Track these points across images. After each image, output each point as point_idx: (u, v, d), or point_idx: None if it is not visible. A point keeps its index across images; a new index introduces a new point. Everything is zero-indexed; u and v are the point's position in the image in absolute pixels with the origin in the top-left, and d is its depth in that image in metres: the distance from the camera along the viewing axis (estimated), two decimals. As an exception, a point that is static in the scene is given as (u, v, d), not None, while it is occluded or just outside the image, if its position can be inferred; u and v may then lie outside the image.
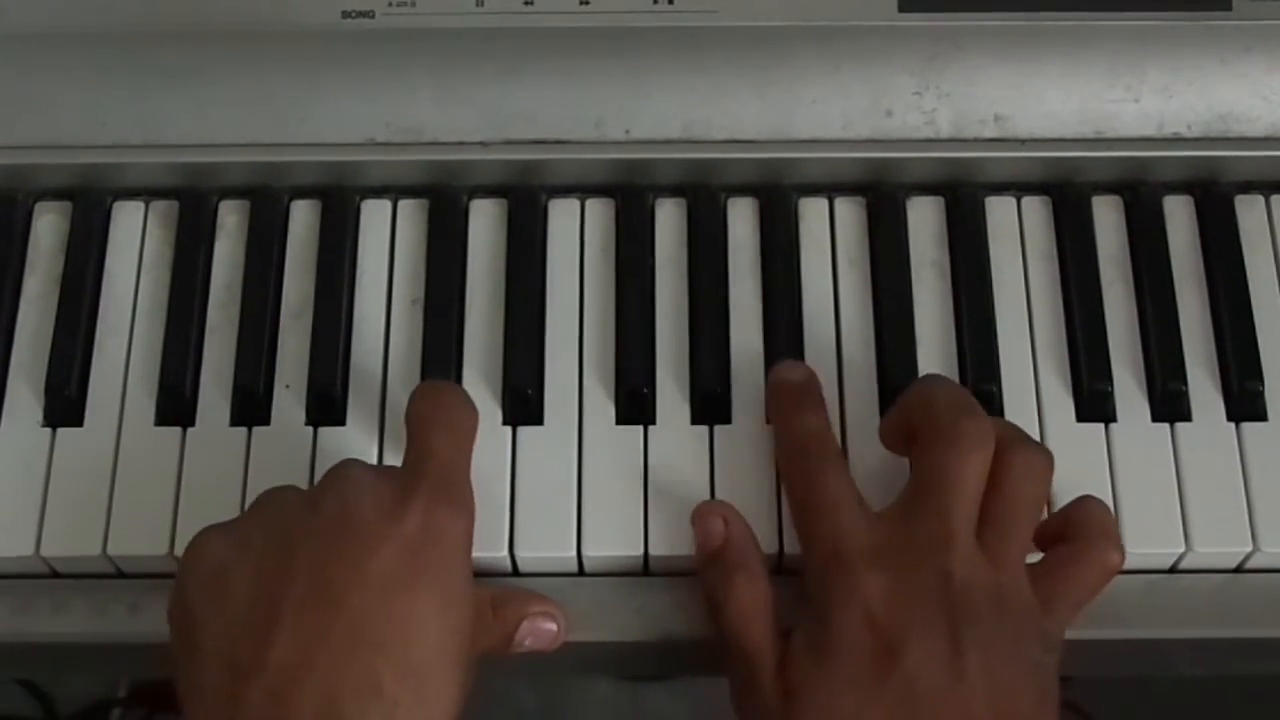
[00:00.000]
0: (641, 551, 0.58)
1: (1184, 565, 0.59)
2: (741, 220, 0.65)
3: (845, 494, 0.55)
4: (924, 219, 0.65)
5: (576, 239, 0.64)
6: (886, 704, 0.50)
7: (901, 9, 0.63)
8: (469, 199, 0.65)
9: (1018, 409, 0.61)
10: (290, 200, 0.65)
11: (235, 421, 0.61)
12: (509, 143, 0.64)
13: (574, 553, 0.58)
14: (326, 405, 0.61)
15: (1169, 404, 0.61)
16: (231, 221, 0.65)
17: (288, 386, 0.62)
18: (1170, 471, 0.60)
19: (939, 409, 0.55)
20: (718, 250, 0.64)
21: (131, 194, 0.65)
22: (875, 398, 0.61)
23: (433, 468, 0.54)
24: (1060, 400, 0.61)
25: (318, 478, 0.56)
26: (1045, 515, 0.57)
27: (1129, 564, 0.58)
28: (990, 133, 0.64)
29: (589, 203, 0.65)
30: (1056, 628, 0.54)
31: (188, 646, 0.51)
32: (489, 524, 0.57)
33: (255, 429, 0.61)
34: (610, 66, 0.64)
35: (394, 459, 0.59)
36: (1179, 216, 0.65)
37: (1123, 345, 0.62)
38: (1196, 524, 0.59)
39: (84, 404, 0.61)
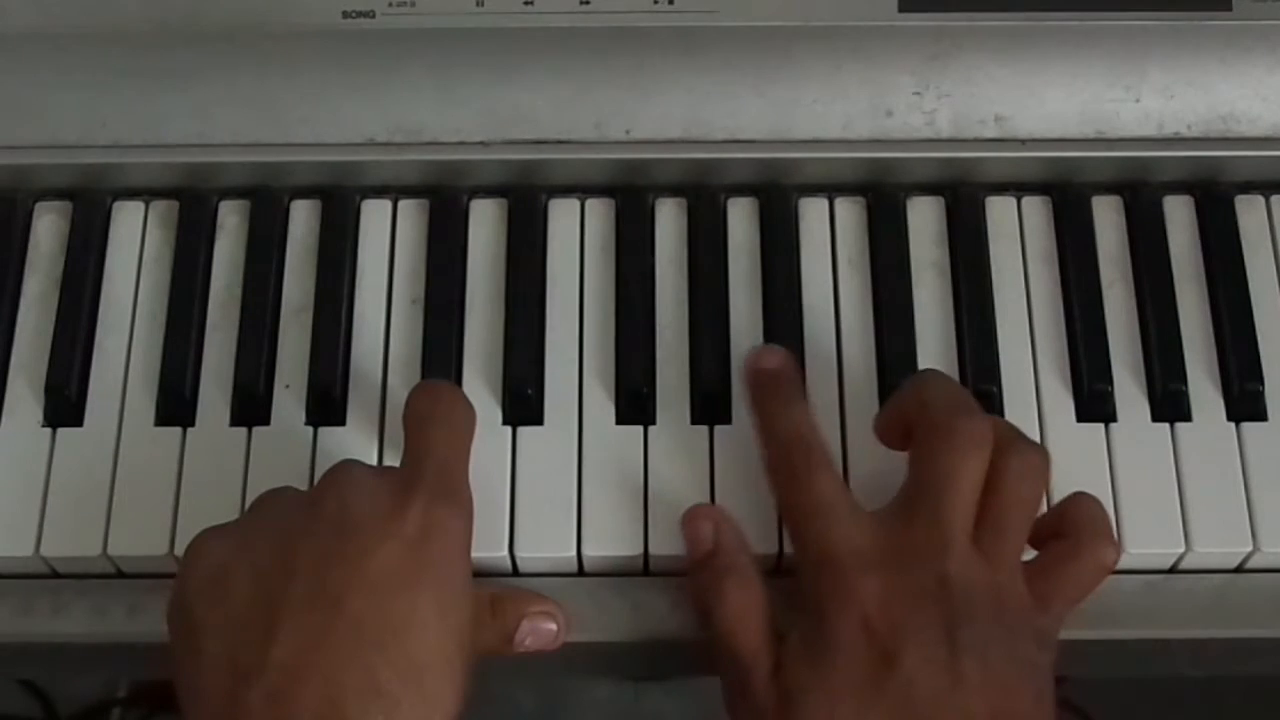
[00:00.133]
0: (641, 551, 0.58)
1: (1184, 565, 0.59)
2: (741, 220, 0.65)
3: (836, 495, 0.55)
4: (924, 219, 0.65)
5: (576, 239, 0.64)
6: (885, 708, 0.50)
7: (901, 9, 0.63)
8: (469, 199, 0.65)
9: (1018, 409, 0.61)
10: (290, 200, 0.65)
11: (235, 421, 0.61)
12: (509, 143, 0.64)
13: (574, 553, 0.58)
14: (326, 405, 0.61)
15: (1169, 404, 0.61)
16: (231, 221, 0.65)
17: (288, 386, 0.62)
18: (1170, 471, 0.60)
19: (936, 408, 0.55)
20: (718, 250, 0.64)
21: (131, 194, 0.65)
22: (875, 398, 0.61)
23: (431, 467, 0.54)
24: (1060, 400, 0.61)
25: (318, 478, 0.56)
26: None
27: (1129, 564, 0.58)
28: (990, 133, 0.64)
29: (589, 203, 0.65)
30: (1052, 626, 0.54)
31: (188, 648, 0.51)
32: (489, 524, 0.57)
33: (255, 429, 0.61)
34: (610, 66, 0.64)
35: (394, 459, 0.59)
36: (1179, 216, 0.65)
37: (1123, 345, 0.62)
38: (1196, 524, 0.59)
39: (84, 404, 0.61)
